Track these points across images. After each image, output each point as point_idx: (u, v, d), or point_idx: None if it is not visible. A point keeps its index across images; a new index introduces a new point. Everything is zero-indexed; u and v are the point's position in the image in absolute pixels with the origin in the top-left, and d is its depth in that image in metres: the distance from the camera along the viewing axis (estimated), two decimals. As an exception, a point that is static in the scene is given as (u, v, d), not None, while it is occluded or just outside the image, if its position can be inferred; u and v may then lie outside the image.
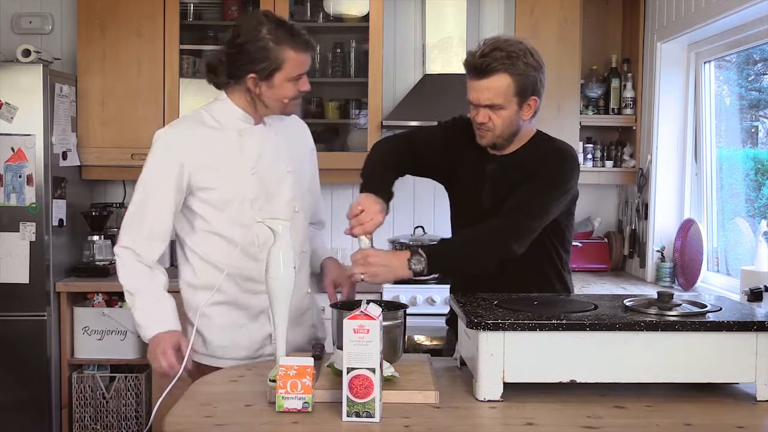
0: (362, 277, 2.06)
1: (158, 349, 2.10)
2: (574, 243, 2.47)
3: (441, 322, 2.54)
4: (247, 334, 2.26)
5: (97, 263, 3.95)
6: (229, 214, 2.19)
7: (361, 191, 2.17)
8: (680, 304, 1.90)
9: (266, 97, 2.18)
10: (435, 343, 3.65)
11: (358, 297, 2.18)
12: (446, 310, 2.49)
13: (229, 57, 2.16)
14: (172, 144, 2.19)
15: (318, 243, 2.49)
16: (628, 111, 4.15)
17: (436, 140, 2.35)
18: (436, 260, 2.08)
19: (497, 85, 2.12)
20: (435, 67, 4.12)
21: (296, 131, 2.40)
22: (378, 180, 2.20)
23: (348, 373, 1.63)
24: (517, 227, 2.12)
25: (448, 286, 2.53)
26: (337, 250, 4.00)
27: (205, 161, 2.18)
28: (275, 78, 2.14)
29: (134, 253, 2.19)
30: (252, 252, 2.21)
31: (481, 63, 2.11)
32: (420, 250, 2.08)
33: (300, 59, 2.14)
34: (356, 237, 2.12)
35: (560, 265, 2.32)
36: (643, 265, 4.04)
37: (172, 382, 2.02)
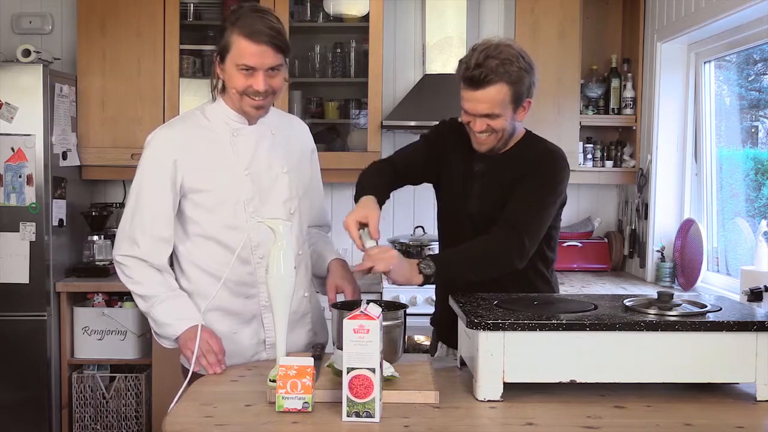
0: (383, 269, 2.04)
1: (203, 345, 2.05)
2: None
3: (420, 320, 2.52)
4: (240, 341, 2.21)
5: (97, 263, 3.95)
6: (223, 216, 2.16)
7: (357, 198, 2.18)
8: (680, 304, 1.90)
9: (226, 84, 2.14)
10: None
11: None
12: (429, 309, 2.48)
13: None
14: (163, 145, 2.16)
15: (324, 245, 2.44)
16: (628, 111, 4.15)
17: (419, 154, 2.36)
18: (443, 268, 2.09)
19: (494, 96, 2.10)
20: (435, 67, 4.13)
21: (294, 132, 2.36)
22: (373, 187, 2.21)
23: (348, 373, 1.63)
24: (521, 244, 2.13)
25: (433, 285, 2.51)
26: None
27: (197, 162, 2.15)
28: (227, 62, 2.10)
29: (140, 260, 2.15)
30: (244, 255, 2.17)
31: (478, 74, 2.08)
32: (428, 258, 2.10)
33: (244, 47, 2.04)
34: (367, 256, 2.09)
35: (545, 266, 2.31)
36: (643, 265, 4.04)
37: (185, 383, 1.97)
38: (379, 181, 2.25)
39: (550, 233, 2.27)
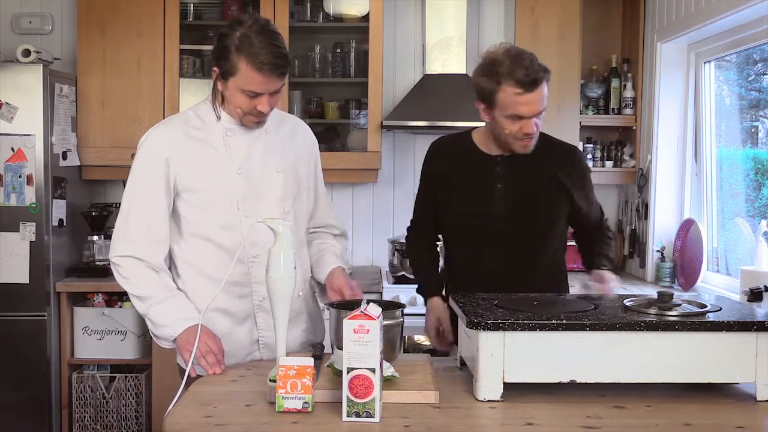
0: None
1: (201, 347, 2.04)
2: (573, 243, 2.53)
3: None
4: (234, 341, 2.19)
5: (97, 263, 3.95)
6: (216, 216, 2.15)
7: (421, 293, 2.52)
8: (680, 304, 1.90)
9: (225, 97, 2.14)
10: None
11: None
12: None
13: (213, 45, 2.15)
14: (155, 145, 2.16)
15: (327, 250, 2.38)
16: (628, 111, 4.15)
17: (428, 198, 2.47)
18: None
19: (544, 93, 2.21)
20: (435, 67, 4.12)
21: (293, 132, 2.34)
22: (432, 281, 2.50)
23: (348, 373, 1.63)
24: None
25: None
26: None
27: (189, 162, 2.14)
28: (230, 82, 2.08)
29: (137, 259, 2.14)
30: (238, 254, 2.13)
31: (534, 77, 2.16)
32: (602, 258, 2.44)
33: (252, 77, 2.04)
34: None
35: (563, 257, 2.47)
36: (643, 265, 4.04)
37: (182, 384, 1.96)
38: (430, 273, 2.52)
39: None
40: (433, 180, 2.45)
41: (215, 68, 2.10)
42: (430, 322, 2.44)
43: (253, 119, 2.15)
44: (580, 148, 4.09)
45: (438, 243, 2.57)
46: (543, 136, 2.35)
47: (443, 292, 2.47)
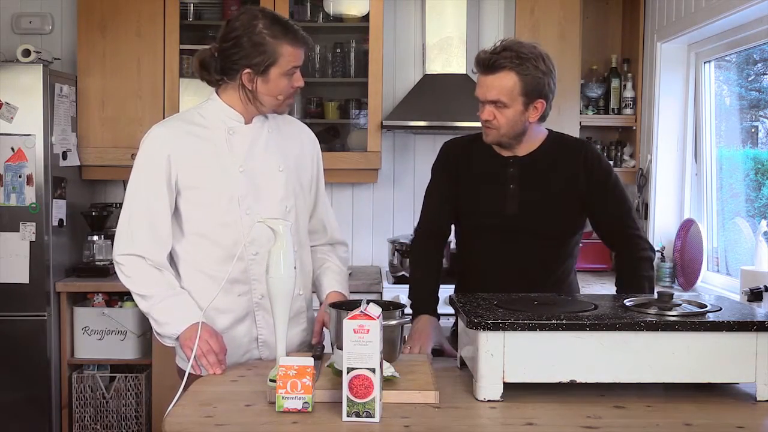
0: None
1: (202, 345, 2.03)
2: (580, 244, 2.55)
3: (442, 322, 2.54)
4: (233, 339, 2.18)
5: (97, 263, 3.95)
6: (216, 213, 2.14)
7: (413, 311, 2.33)
8: (680, 304, 1.90)
9: (261, 93, 2.14)
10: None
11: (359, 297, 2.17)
12: (446, 310, 2.49)
13: (223, 52, 2.12)
14: (158, 141, 2.15)
15: (326, 272, 2.38)
16: (628, 111, 4.15)
17: (444, 199, 2.41)
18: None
19: (503, 83, 2.17)
20: (435, 67, 4.12)
21: (294, 133, 2.34)
22: (423, 299, 2.38)
23: (348, 373, 1.63)
24: (644, 239, 2.37)
25: (452, 286, 2.53)
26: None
27: (191, 159, 2.13)
28: (270, 73, 2.10)
29: (140, 257, 2.12)
30: (238, 252, 2.12)
31: (489, 59, 2.16)
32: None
33: (296, 54, 2.12)
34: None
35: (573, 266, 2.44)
36: (643, 265, 4.04)
37: (182, 384, 1.95)
38: (428, 285, 2.40)
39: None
40: (453, 171, 2.40)
41: (248, 70, 2.10)
42: (419, 339, 2.30)
43: (290, 101, 2.22)
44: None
45: (448, 242, 2.51)
46: (558, 137, 2.38)
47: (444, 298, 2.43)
